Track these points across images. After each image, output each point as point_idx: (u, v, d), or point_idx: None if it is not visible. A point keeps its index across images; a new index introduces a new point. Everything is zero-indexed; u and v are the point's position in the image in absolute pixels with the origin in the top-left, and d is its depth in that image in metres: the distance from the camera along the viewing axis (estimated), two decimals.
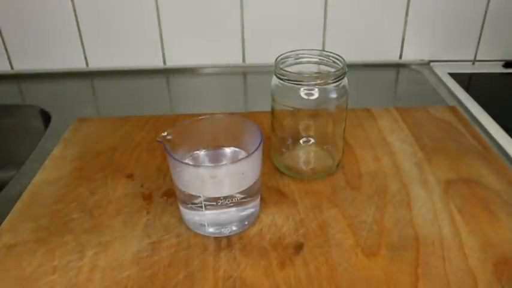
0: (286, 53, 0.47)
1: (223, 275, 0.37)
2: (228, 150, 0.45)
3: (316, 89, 0.45)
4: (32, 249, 0.40)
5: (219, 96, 0.74)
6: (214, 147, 0.45)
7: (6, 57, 0.79)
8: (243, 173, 0.39)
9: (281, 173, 0.50)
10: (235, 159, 0.43)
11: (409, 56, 0.82)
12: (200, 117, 0.43)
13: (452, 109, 0.64)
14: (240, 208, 0.41)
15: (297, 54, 0.48)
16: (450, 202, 0.45)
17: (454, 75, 0.77)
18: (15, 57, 0.79)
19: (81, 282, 0.37)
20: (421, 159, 0.52)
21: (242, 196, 0.40)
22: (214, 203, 0.39)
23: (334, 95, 0.45)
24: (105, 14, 0.76)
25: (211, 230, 0.41)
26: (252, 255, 0.39)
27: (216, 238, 0.41)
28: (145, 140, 0.56)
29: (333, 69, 0.45)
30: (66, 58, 0.80)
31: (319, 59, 0.48)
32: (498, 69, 0.81)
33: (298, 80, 0.44)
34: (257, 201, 0.43)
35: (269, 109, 0.49)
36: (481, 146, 0.55)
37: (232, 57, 0.81)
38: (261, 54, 0.80)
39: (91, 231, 0.42)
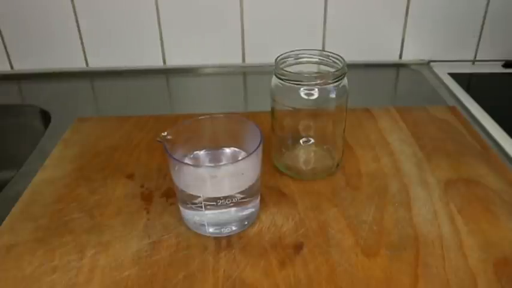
0: (286, 53, 0.47)
1: (223, 275, 0.37)
2: (228, 150, 0.45)
3: (316, 89, 0.45)
4: (32, 249, 0.40)
5: (219, 96, 0.74)
6: (214, 147, 0.45)
7: (6, 57, 0.79)
8: (242, 173, 0.39)
9: (281, 173, 0.50)
10: (235, 159, 0.43)
11: (409, 56, 0.82)
12: (200, 117, 0.43)
13: (452, 109, 0.64)
14: (239, 208, 0.41)
15: (297, 54, 0.48)
16: (450, 202, 0.45)
17: (454, 75, 0.77)
18: (15, 57, 0.79)
19: (81, 282, 0.37)
20: (421, 159, 0.52)
21: (242, 196, 0.40)
22: (214, 203, 0.39)
23: (334, 95, 0.45)
24: (105, 14, 0.76)
25: (211, 230, 0.41)
26: (251, 255, 0.39)
27: (215, 238, 0.41)
28: (145, 140, 0.56)
29: (332, 69, 0.45)
30: (66, 58, 0.80)
31: (319, 59, 0.48)
32: (498, 69, 0.81)
33: (298, 80, 0.44)
34: (257, 201, 0.43)
35: (269, 109, 0.49)
36: (481, 146, 0.55)
37: (232, 57, 0.81)
38: (261, 54, 0.80)
39: (91, 231, 0.42)
